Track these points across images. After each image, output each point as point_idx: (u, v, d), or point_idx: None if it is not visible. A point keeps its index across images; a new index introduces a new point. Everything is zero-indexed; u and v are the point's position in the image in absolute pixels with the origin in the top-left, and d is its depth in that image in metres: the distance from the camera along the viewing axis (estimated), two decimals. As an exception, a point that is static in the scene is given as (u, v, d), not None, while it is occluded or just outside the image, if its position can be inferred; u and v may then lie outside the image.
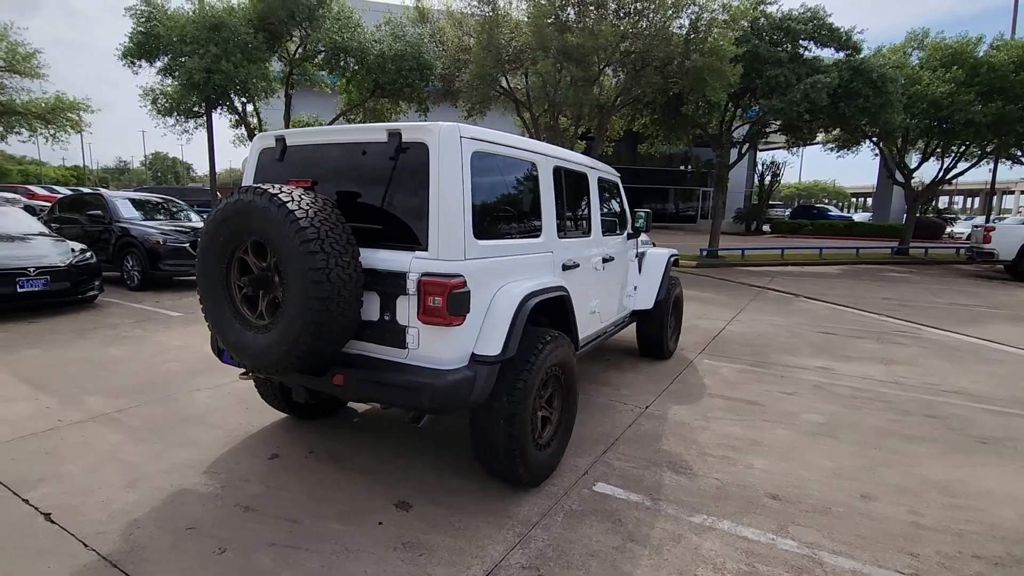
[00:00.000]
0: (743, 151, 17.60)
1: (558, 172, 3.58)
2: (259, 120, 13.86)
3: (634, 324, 5.55)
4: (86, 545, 2.51)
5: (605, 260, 4.24)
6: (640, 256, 5.42)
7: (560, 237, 3.53)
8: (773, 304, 9.48)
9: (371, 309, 2.74)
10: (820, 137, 20.05)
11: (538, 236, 3.30)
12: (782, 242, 21.75)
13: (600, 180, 4.32)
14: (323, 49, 11.62)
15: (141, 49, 11.18)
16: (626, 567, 2.47)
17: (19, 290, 6.51)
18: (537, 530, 2.73)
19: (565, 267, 3.55)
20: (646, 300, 5.29)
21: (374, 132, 2.76)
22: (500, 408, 2.79)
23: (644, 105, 15.15)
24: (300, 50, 12.18)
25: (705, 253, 16.67)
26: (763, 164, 33.63)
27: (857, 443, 3.85)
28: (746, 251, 17.22)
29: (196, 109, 13.07)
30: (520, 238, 3.16)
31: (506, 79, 13.48)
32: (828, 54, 14.77)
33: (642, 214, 4.85)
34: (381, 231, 2.76)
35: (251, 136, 13.75)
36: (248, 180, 3.24)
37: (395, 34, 12.60)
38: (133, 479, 3.10)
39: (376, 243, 2.75)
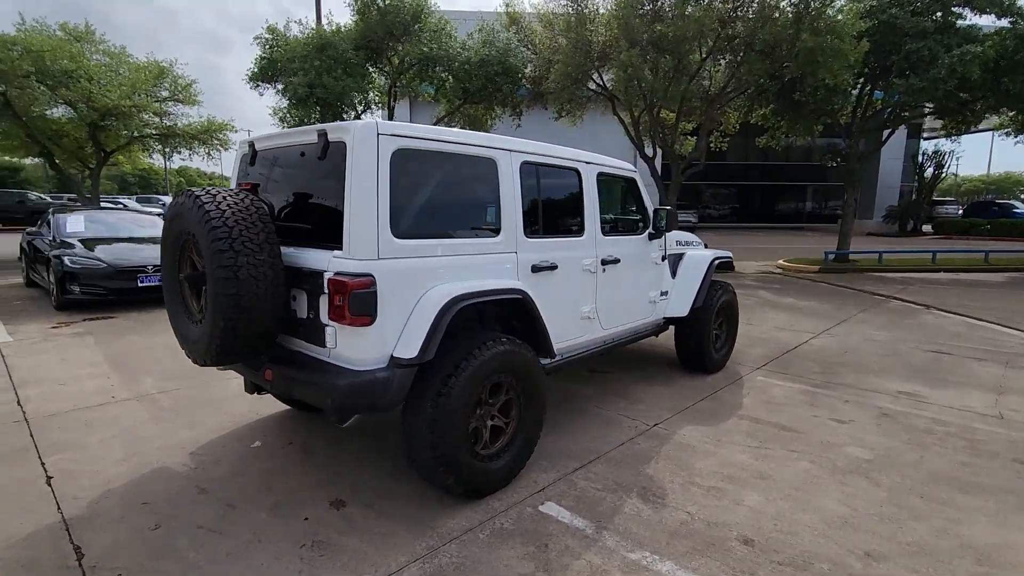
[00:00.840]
0: (884, 139, 15.38)
1: (529, 169, 3.37)
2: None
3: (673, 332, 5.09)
4: (59, 508, 2.85)
5: (607, 262, 3.92)
6: (676, 258, 4.94)
7: (529, 236, 3.32)
8: (887, 316, 8.13)
9: (302, 307, 2.80)
10: (994, 121, 16.86)
11: (495, 235, 3.13)
12: (942, 245, 18.64)
13: (602, 176, 4.00)
14: (415, 61, 12.19)
15: (264, 73, 12.63)
16: (518, 598, 2.24)
17: (139, 284, 7.66)
18: (452, 545, 2.58)
19: (536, 268, 3.33)
20: (680, 306, 4.81)
21: (308, 133, 2.81)
22: (423, 413, 2.69)
23: (758, 93, 13.82)
24: (397, 63, 12.91)
25: (832, 256, 14.81)
26: (924, 154, 29.11)
27: (897, 488, 3.14)
28: (884, 254, 14.99)
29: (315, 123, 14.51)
30: (467, 237, 3.02)
31: (599, 76, 13.13)
32: (987, 22, 12.39)
33: (663, 212, 4.40)
34: (311, 231, 2.80)
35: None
36: (232, 184, 3.48)
37: (486, 41, 12.85)
38: (130, 453, 3.47)
39: (307, 243, 2.80)
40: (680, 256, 5.00)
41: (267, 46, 12.61)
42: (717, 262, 5.11)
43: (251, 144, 3.30)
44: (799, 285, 11.39)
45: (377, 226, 2.57)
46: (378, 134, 2.60)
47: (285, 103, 12.43)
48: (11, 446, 3.52)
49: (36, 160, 22.26)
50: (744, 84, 12.66)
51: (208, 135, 16.32)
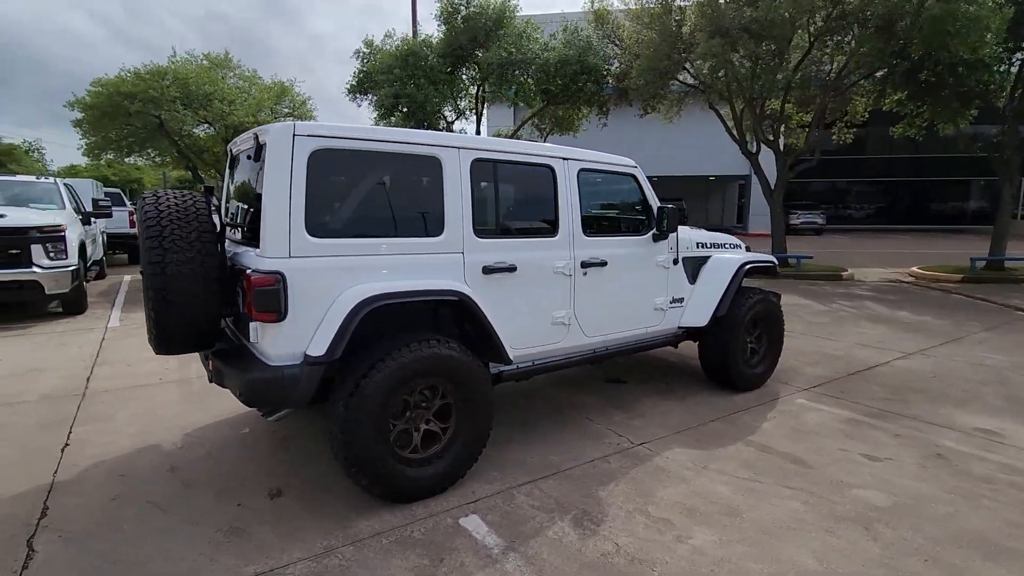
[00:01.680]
0: (1056, 123, 12.69)
1: (483, 167, 3.24)
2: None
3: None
4: (54, 473, 3.26)
5: (589, 265, 3.65)
6: (698, 261, 4.48)
7: (481, 237, 3.19)
8: (1017, 338, 6.70)
9: (242, 303, 2.93)
10: None
11: (438, 236, 3.05)
12: None
13: (585, 172, 3.73)
14: (496, 66, 12.35)
15: (360, 85, 13.57)
16: (378, 612, 2.15)
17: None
18: (350, 547, 2.56)
19: (489, 270, 3.19)
20: (698, 315, 4.35)
21: (251, 138, 2.94)
22: (336, 413, 2.69)
23: (886, 76, 12.08)
24: (479, 69, 13.19)
25: (981, 264, 12.54)
26: None
27: (899, 545, 2.56)
28: (1053, 261, 12.39)
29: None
30: (400, 237, 2.97)
31: (690, 68, 12.35)
32: None
33: (667, 211, 3.99)
34: (251, 231, 2.93)
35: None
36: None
37: (567, 41, 12.67)
38: (142, 430, 3.88)
39: (248, 242, 2.93)
40: (703, 260, 4.52)
41: (364, 59, 13.54)
42: (749, 267, 4.55)
43: (228, 149, 3.54)
44: (925, 297, 9.80)
45: (289, 225, 2.62)
46: (294, 135, 2.65)
47: (375, 114, 13.24)
48: (56, 416, 4.11)
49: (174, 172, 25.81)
50: (867, 67, 11.16)
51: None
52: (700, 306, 4.39)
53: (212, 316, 2.86)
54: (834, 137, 15.83)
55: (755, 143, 13.28)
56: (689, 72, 12.47)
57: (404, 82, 11.98)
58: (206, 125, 15.99)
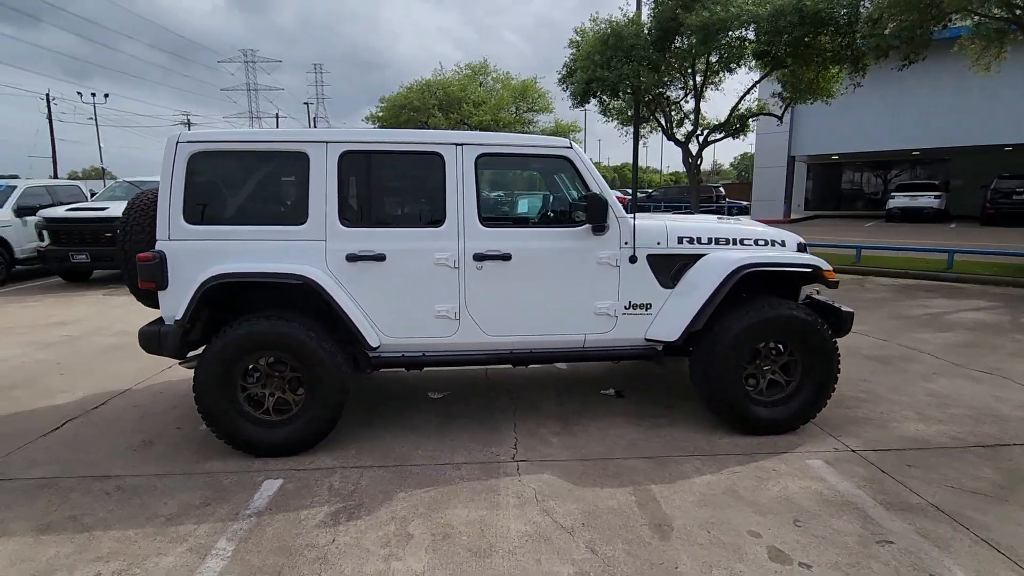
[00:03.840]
0: None
1: (354, 159, 3.33)
2: (673, 120, 14.36)
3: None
4: (60, 408, 4.66)
5: (486, 257, 3.38)
6: (685, 260, 3.59)
7: (347, 226, 3.32)
8: None
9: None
10: None
11: (302, 223, 3.33)
12: None
13: (490, 158, 3.40)
14: (699, 30, 10.98)
15: (571, 74, 13.81)
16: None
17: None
18: (141, 479, 3.14)
19: (353, 257, 3.32)
20: (668, 327, 3.52)
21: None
22: (195, 374, 3.27)
23: None
24: (685, 40, 11.92)
25: None
26: None
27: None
28: None
29: (629, 115, 15.04)
30: (264, 224, 3.33)
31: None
32: None
33: (596, 200, 3.28)
34: None
35: (671, 137, 14.46)
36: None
37: (791, -12, 10.45)
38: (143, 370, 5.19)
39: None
40: (691, 258, 3.58)
41: (576, 47, 13.75)
42: (751, 270, 3.41)
43: None
44: None
45: (169, 214, 3.29)
46: (177, 143, 3.28)
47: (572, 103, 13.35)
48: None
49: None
50: None
51: (558, 135, 18.92)
52: (671, 316, 3.52)
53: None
54: None
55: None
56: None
57: (600, 66, 11.80)
58: (464, 126, 18.59)
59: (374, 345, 3.37)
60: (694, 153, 14.18)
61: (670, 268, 3.58)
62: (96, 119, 39.22)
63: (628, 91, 12.44)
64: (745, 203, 28.04)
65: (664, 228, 3.58)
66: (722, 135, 14.12)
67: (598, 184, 3.48)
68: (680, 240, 3.59)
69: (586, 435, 3.61)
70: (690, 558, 2.38)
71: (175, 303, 3.26)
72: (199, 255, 3.27)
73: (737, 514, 2.71)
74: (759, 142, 25.75)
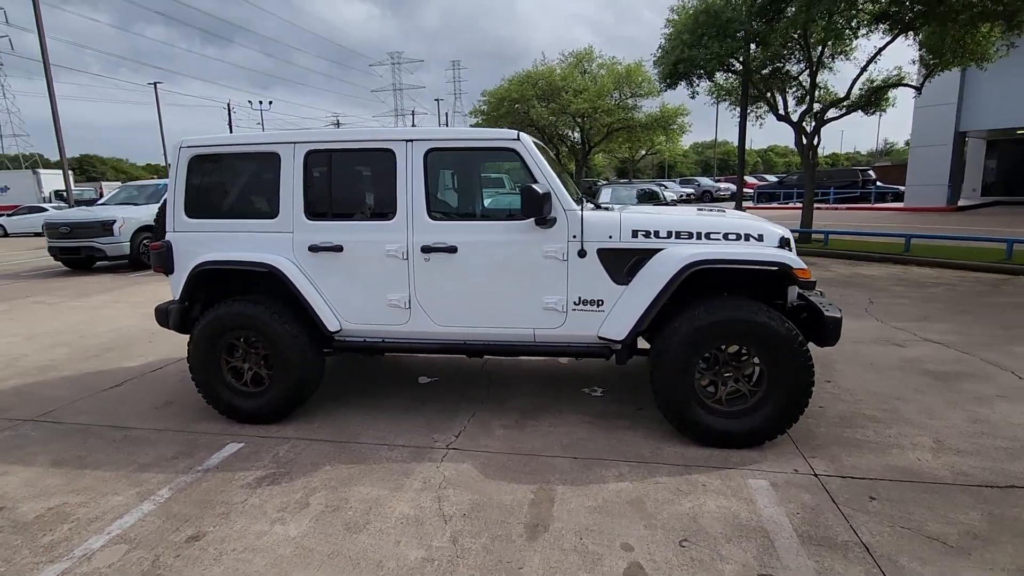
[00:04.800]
0: None
1: (318, 156, 3.60)
2: (790, 97, 12.97)
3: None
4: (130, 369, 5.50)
5: (432, 249, 3.49)
6: (640, 256, 3.37)
7: (311, 219, 3.62)
8: None
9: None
10: None
11: (275, 217, 3.69)
12: None
13: (439, 152, 3.46)
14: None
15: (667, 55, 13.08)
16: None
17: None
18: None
19: (314, 248, 3.62)
20: (617, 325, 3.36)
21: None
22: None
23: None
24: (792, 8, 10.63)
25: None
26: None
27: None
28: None
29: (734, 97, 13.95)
30: (245, 218, 3.74)
31: None
32: None
33: (533, 193, 3.18)
34: None
35: (780, 117, 13.14)
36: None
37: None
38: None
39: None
40: (650, 253, 3.35)
41: (672, 27, 13.01)
42: (703, 267, 3.11)
43: None
44: None
45: (174, 208, 3.84)
46: (180, 147, 3.82)
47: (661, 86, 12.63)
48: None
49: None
50: None
51: (664, 121, 17.99)
52: (621, 314, 3.34)
53: None
54: None
55: None
56: None
57: (689, 46, 11.05)
58: (564, 116, 18.49)
59: (333, 329, 3.65)
60: (809, 132, 12.73)
61: (624, 263, 3.39)
62: (263, 123, 45.05)
63: (722, 69, 11.52)
64: (901, 188, 24.51)
65: (617, 221, 3.40)
66: (843, 111, 12.49)
67: (544, 176, 3.40)
68: (635, 234, 3.38)
69: (534, 430, 3.58)
70: (542, 561, 2.32)
71: (179, 285, 3.82)
72: (196, 244, 3.79)
73: (625, 525, 2.55)
74: (917, 117, 22.17)
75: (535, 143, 3.71)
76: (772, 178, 40.33)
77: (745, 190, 34.32)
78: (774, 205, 28.28)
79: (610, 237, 3.39)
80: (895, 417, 3.63)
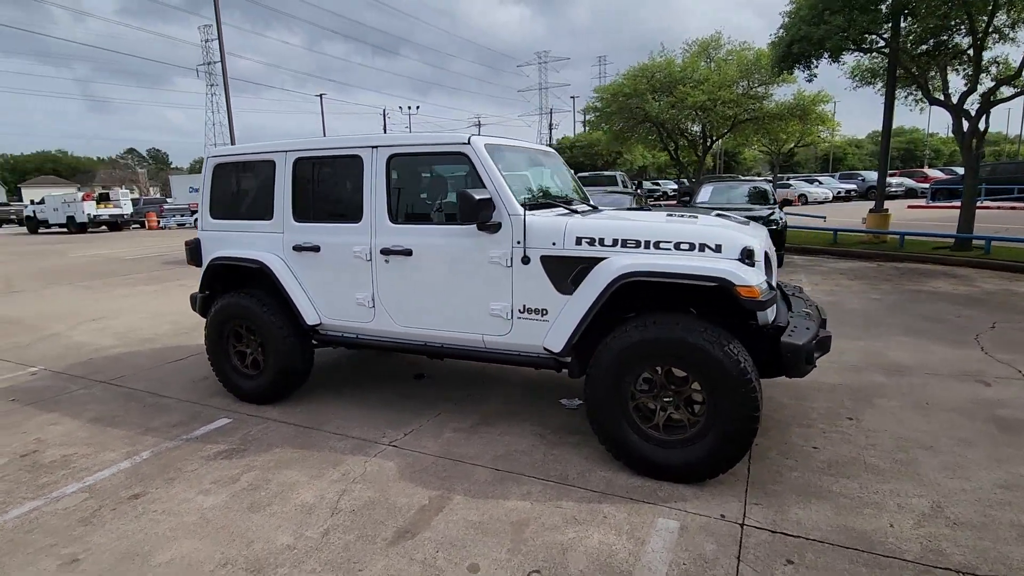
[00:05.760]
0: None
1: (304, 163, 3.89)
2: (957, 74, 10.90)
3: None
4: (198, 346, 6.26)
5: (392, 252, 3.61)
6: (586, 264, 3.17)
7: (298, 221, 3.95)
8: None
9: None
10: None
11: (270, 219, 4.07)
12: None
13: (401, 158, 3.54)
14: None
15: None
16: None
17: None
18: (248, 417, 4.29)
19: (298, 248, 3.94)
20: (556, 337, 3.20)
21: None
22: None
23: None
24: None
25: None
26: None
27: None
28: None
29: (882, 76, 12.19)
30: (250, 219, 4.16)
31: None
32: None
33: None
34: None
35: (934, 100, 11.13)
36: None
37: None
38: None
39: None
40: (594, 262, 3.12)
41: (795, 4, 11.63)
42: (633, 279, 2.82)
43: None
44: None
45: (202, 210, 4.42)
46: (207, 156, 4.38)
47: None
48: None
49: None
50: None
51: (799, 110, 16.12)
52: (561, 326, 3.17)
53: None
54: None
55: None
56: None
57: (807, 22, 9.79)
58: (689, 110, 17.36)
59: (312, 323, 3.95)
60: (972, 116, 10.59)
61: (568, 272, 3.20)
62: (410, 126, 48.80)
63: (853, 48, 10.05)
64: None
65: (562, 227, 3.22)
66: (1018, 90, 10.20)
67: (492, 181, 3.33)
68: (579, 241, 3.17)
69: (482, 437, 3.54)
70: (384, 568, 2.33)
71: (200, 277, 4.40)
72: (217, 242, 4.33)
73: (490, 546, 2.45)
74: None
75: (505, 144, 3.68)
76: (960, 171, 33.98)
77: (921, 185, 29.49)
78: (955, 204, 23.78)
79: (554, 244, 3.23)
80: (903, 471, 2.97)
